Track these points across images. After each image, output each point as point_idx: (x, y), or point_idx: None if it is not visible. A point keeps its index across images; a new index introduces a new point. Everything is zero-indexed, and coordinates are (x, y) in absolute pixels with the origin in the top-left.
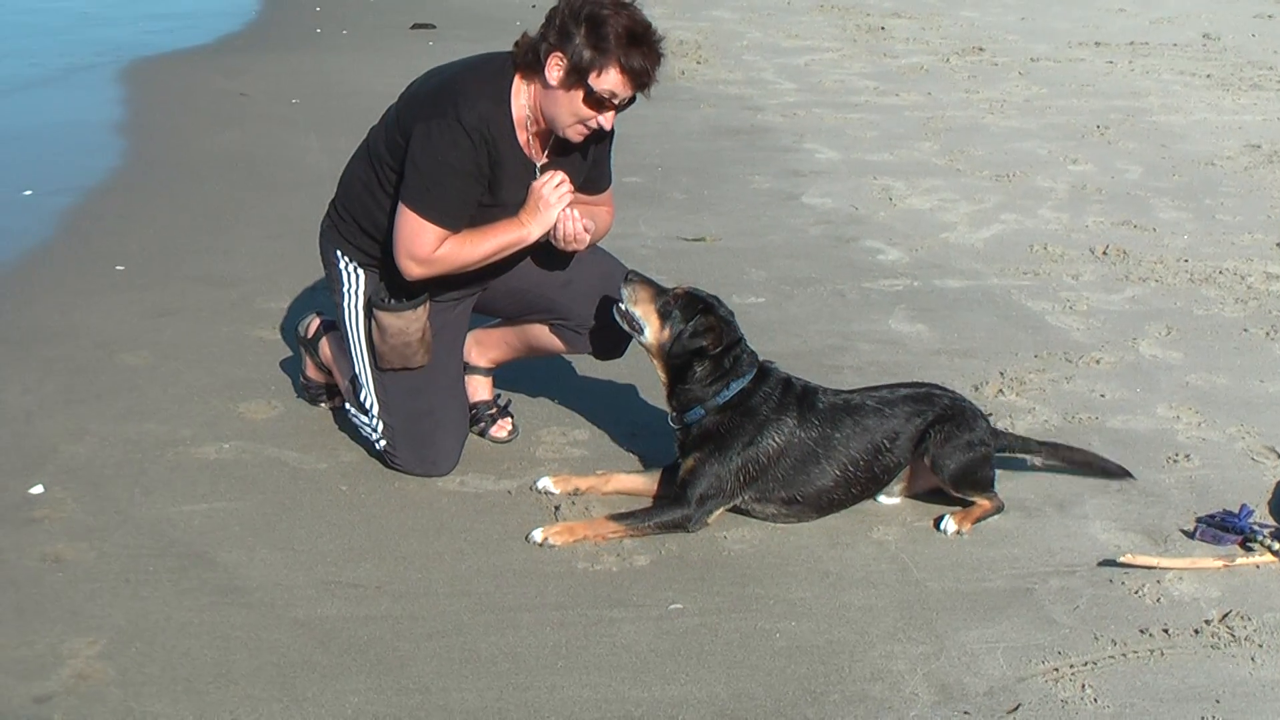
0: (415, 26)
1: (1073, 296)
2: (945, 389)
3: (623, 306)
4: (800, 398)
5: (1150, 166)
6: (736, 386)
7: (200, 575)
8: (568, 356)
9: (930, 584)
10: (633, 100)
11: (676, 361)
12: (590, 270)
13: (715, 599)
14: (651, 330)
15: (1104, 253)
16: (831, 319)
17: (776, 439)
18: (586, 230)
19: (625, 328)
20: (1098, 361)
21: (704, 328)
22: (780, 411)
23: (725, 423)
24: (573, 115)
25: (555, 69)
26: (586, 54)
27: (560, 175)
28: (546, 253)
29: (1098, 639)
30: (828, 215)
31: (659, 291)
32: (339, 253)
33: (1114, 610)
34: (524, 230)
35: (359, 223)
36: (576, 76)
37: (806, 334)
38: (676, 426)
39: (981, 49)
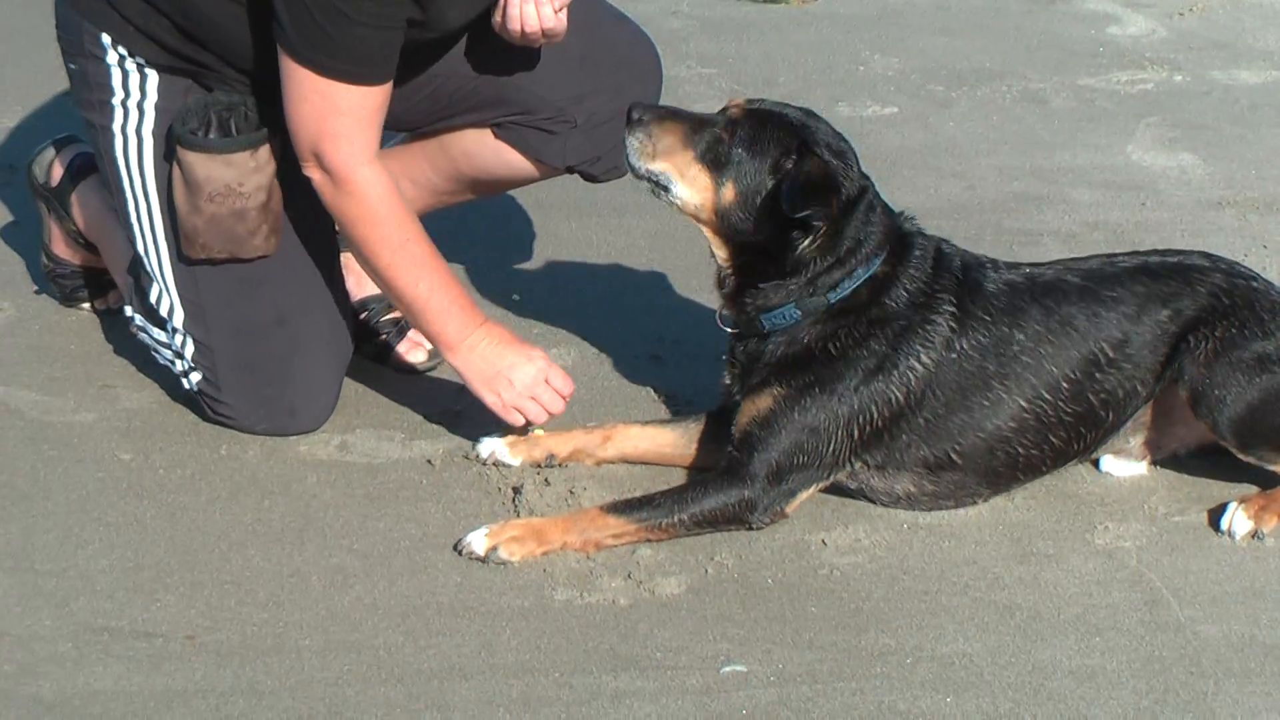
0: None
1: None
2: (1218, 258)
3: (638, 166)
4: (960, 279)
5: None
6: (863, 275)
7: None
8: (530, 199)
9: (1204, 628)
10: None
11: (752, 238)
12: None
13: (806, 655)
14: (698, 190)
15: None
16: (1021, 145)
17: (924, 359)
18: (558, 7)
19: (650, 189)
20: None
21: (809, 182)
22: (929, 309)
23: (834, 337)
24: None
25: None
26: None
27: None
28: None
29: None
30: None
31: (694, 125)
32: (102, 34)
33: None
34: (449, 338)
35: None
36: None
37: (975, 173)
38: (736, 334)
39: None
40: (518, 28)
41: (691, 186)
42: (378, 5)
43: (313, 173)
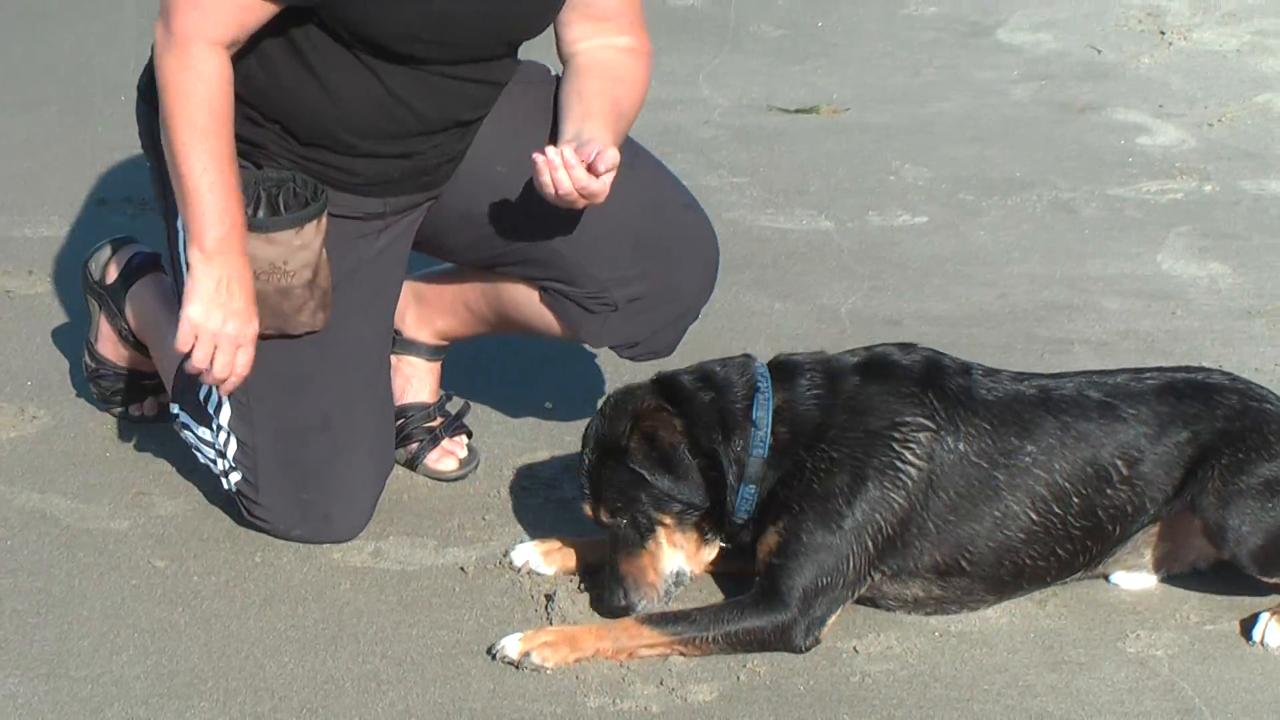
0: None
1: None
2: (1238, 379)
3: (661, 595)
4: (926, 378)
5: None
6: (765, 403)
7: None
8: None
9: None
10: None
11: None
12: (624, 201)
13: None
14: (691, 555)
15: None
16: (1052, 254)
17: (912, 461)
18: (601, 171)
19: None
20: None
21: (643, 427)
22: (907, 403)
23: (797, 470)
24: None
25: None
26: None
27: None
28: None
29: None
30: (1044, 63)
31: (631, 533)
32: None
33: None
34: (203, 243)
35: None
36: None
37: (1006, 281)
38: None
39: None
40: (550, 193)
41: (687, 547)
42: None
43: (158, 28)
